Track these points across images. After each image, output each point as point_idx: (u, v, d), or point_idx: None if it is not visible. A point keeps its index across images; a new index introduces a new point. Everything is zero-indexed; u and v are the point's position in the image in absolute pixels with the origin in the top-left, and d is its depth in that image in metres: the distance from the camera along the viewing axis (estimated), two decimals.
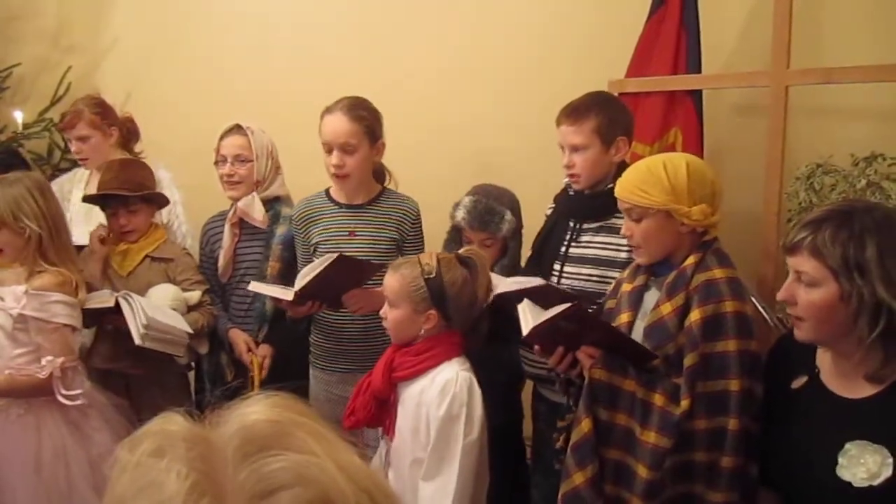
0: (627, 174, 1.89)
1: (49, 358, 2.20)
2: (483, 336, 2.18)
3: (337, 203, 2.56)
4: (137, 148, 3.09)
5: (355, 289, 2.37)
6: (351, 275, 2.35)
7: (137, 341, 2.33)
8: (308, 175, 2.76)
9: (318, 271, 2.25)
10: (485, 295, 2.10)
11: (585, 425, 1.83)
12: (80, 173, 3.11)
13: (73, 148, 3.02)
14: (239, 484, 0.58)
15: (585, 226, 2.29)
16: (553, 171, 2.93)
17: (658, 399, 1.76)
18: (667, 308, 1.80)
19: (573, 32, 3.21)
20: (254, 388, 2.51)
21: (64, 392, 2.22)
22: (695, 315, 1.75)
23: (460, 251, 2.15)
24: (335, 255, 2.26)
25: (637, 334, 1.86)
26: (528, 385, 2.60)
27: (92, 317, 2.46)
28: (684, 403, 1.71)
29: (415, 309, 2.01)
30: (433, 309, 2.00)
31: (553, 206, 2.45)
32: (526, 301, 2.02)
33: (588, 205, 2.29)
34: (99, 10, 3.87)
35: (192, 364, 2.82)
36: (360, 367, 2.47)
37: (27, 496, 2.18)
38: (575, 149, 2.23)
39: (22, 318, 2.20)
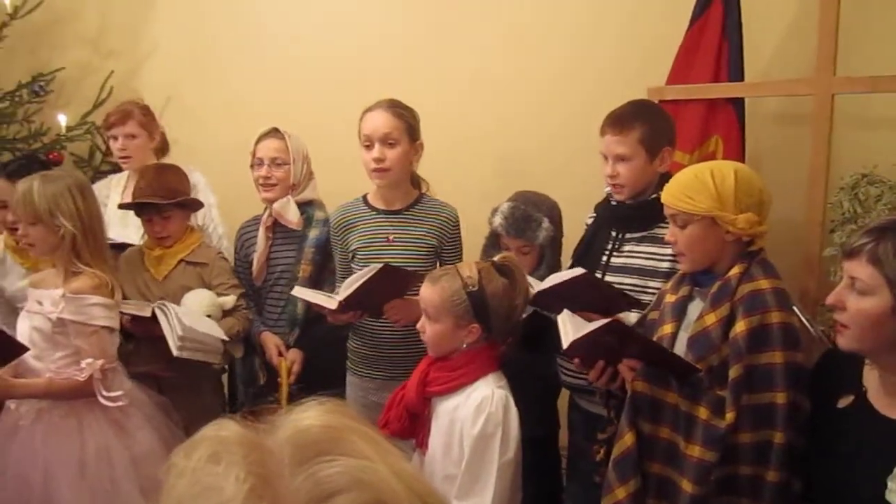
0: (674, 180, 1.87)
1: (88, 360, 2.20)
2: (518, 344, 2.17)
3: (374, 209, 2.54)
4: (165, 160, 3.12)
5: (396, 299, 2.35)
6: (394, 284, 2.32)
7: (175, 353, 2.34)
8: (339, 182, 2.77)
9: (363, 281, 2.22)
10: (523, 303, 2.07)
11: (628, 439, 1.81)
12: (117, 178, 3.15)
13: (117, 145, 3.05)
14: (295, 488, 0.58)
15: (628, 235, 2.25)
16: (589, 178, 2.91)
17: (702, 412, 1.73)
18: (711, 318, 1.77)
19: (612, 39, 3.19)
20: (282, 392, 2.50)
21: (105, 394, 2.21)
22: (740, 326, 1.72)
23: (495, 258, 2.12)
24: (381, 265, 2.23)
25: (680, 345, 1.83)
26: (564, 395, 2.58)
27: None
28: (729, 416, 1.68)
29: (457, 323, 1.95)
30: (476, 322, 1.95)
31: (594, 215, 2.43)
32: (565, 312, 2.00)
33: (631, 214, 2.25)
34: (139, 15, 3.91)
35: (226, 367, 2.83)
36: (397, 374, 2.45)
37: (72, 496, 2.19)
38: (619, 159, 2.19)
39: (61, 322, 2.20)
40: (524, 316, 2.22)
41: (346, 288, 2.29)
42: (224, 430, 0.63)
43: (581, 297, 2.06)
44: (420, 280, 2.26)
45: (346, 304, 2.30)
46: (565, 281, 2.05)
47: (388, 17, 3.53)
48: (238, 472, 0.58)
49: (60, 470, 2.21)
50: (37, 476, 2.20)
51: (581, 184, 2.94)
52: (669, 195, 1.85)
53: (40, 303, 2.25)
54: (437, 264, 2.47)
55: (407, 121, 2.47)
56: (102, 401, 2.20)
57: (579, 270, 2.09)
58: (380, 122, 2.44)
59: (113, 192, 3.00)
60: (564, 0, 3.28)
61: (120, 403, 2.24)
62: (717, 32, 2.76)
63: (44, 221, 2.21)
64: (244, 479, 0.58)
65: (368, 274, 2.23)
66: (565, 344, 1.88)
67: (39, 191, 2.20)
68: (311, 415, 0.64)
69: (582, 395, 2.35)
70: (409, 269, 2.39)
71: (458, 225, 2.56)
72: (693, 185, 1.80)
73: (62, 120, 3.79)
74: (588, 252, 2.31)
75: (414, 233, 2.50)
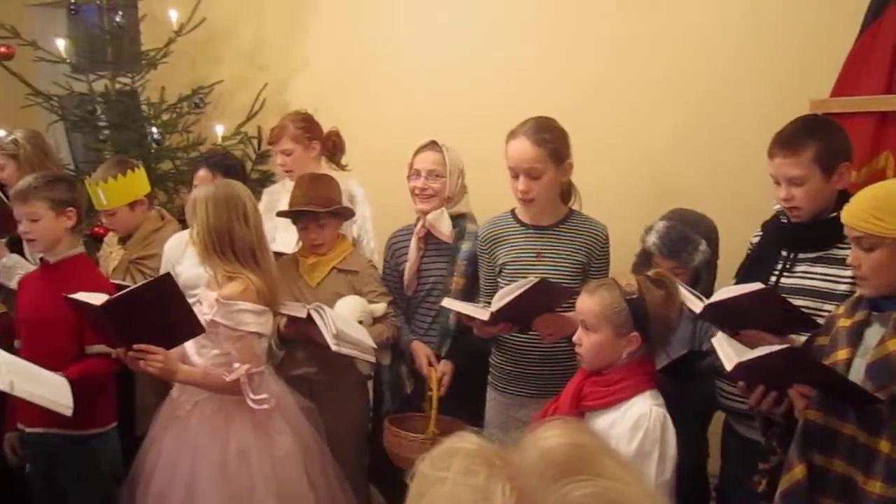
0: (859, 200, 1.75)
1: (236, 365, 2.30)
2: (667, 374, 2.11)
3: (523, 224, 2.53)
4: (343, 161, 3.22)
5: (547, 313, 2.33)
6: (545, 299, 2.31)
7: (334, 349, 2.41)
8: (488, 193, 2.78)
9: (517, 294, 2.22)
10: (678, 318, 2.03)
11: (799, 471, 1.72)
12: (290, 184, 3.27)
13: (278, 160, 3.19)
14: None
15: (801, 256, 2.13)
16: (740, 192, 2.81)
17: (883, 445, 1.62)
18: (894, 344, 1.65)
19: (772, 50, 3.04)
20: (431, 403, 2.52)
21: (253, 396, 2.30)
22: None
23: (649, 273, 2.08)
24: (537, 279, 2.23)
25: (856, 372, 1.72)
26: (715, 421, 2.48)
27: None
28: None
29: (616, 332, 1.93)
30: (635, 331, 1.93)
31: (759, 233, 2.31)
32: (720, 334, 1.94)
33: (806, 234, 2.13)
34: (292, 31, 4.09)
35: (372, 374, 2.89)
36: (540, 391, 2.44)
37: (211, 492, 2.29)
38: (793, 182, 2.07)
39: (214, 324, 2.31)
40: (679, 355, 2.16)
41: (499, 300, 2.30)
42: (469, 442, 0.64)
43: (755, 313, 1.97)
44: (570, 294, 2.24)
45: (497, 316, 2.31)
46: (744, 294, 1.96)
47: (538, 31, 3.51)
48: (503, 486, 0.58)
49: (204, 465, 2.31)
50: (184, 465, 2.33)
51: (733, 198, 2.85)
52: (853, 216, 1.73)
53: (200, 303, 2.37)
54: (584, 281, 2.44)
55: (551, 146, 2.41)
56: (250, 403, 2.29)
57: (759, 285, 2.00)
58: (523, 154, 2.40)
59: (283, 196, 3.07)
60: (717, 8, 3.17)
61: (265, 406, 2.32)
62: (891, 39, 2.58)
63: (191, 223, 2.37)
64: (510, 492, 0.58)
65: (523, 287, 2.22)
66: (728, 366, 1.81)
67: (191, 197, 2.39)
68: (556, 433, 0.64)
69: (742, 420, 2.25)
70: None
71: (608, 242, 2.52)
72: (883, 205, 1.68)
73: (219, 130, 4.01)
74: (754, 272, 2.19)
75: (563, 249, 2.48)
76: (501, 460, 0.61)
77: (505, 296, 2.27)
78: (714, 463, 2.52)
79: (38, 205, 2.51)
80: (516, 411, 2.50)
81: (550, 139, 2.42)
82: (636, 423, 1.87)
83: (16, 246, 3.01)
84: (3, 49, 3.93)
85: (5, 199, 2.82)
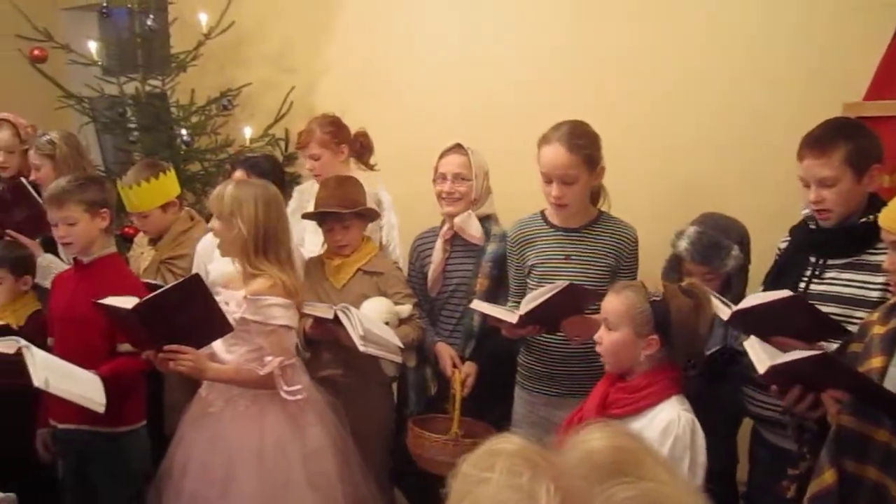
0: None
1: (269, 358, 2.34)
2: (702, 378, 2.09)
3: (553, 226, 2.54)
4: (372, 161, 3.23)
5: (575, 315, 2.33)
6: (572, 302, 2.32)
7: (361, 349, 2.43)
8: (508, 195, 2.79)
9: (545, 298, 2.23)
10: (706, 330, 2.01)
11: (829, 476, 1.69)
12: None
13: (307, 165, 3.21)
14: None
15: (831, 262, 2.10)
16: (774, 197, 2.78)
17: None
18: None
19: (803, 52, 3.00)
20: (454, 404, 2.53)
21: (286, 388, 2.35)
22: None
23: (683, 284, 2.06)
24: (565, 284, 2.23)
25: (891, 381, 1.69)
26: (743, 428, 2.46)
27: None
28: None
29: (636, 332, 1.93)
30: (655, 334, 1.92)
31: (787, 238, 2.29)
32: (753, 338, 1.91)
33: (836, 240, 2.09)
34: (318, 35, 4.12)
35: (397, 375, 2.90)
36: (568, 391, 2.46)
37: (249, 484, 2.33)
38: (823, 184, 2.04)
39: (243, 321, 2.34)
40: (711, 352, 2.15)
41: (528, 303, 2.30)
42: (512, 443, 0.64)
43: (784, 320, 1.94)
44: (598, 297, 2.24)
45: (526, 319, 2.31)
46: (772, 301, 1.93)
47: (559, 33, 3.49)
48: (548, 486, 0.59)
49: (241, 457, 2.35)
50: (219, 461, 2.36)
51: (762, 201, 2.82)
52: (892, 220, 1.70)
53: (227, 303, 2.40)
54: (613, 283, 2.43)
55: (585, 152, 2.40)
56: (284, 395, 2.34)
57: (787, 292, 1.97)
58: (557, 160, 2.39)
59: (314, 197, 3.10)
60: (747, 7, 3.11)
61: (299, 397, 2.37)
62: None
63: (224, 218, 2.37)
64: (554, 493, 0.58)
65: (552, 291, 2.23)
66: (761, 369, 1.79)
67: (230, 193, 2.37)
68: (599, 436, 0.65)
69: (770, 428, 2.22)
70: (587, 287, 2.36)
71: (637, 244, 2.52)
72: None
73: (247, 132, 4.04)
74: (782, 278, 2.17)
75: (592, 252, 2.48)
76: (545, 461, 0.62)
77: (533, 300, 2.28)
78: (742, 470, 2.50)
79: (73, 208, 2.54)
80: (549, 412, 2.50)
81: (585, 145, 2.41)
82: (665, 429, 1.86)
83: (50, 246, 3.05)
84: (36, 52, 3.99)
85: (40, 200, 2.86)
